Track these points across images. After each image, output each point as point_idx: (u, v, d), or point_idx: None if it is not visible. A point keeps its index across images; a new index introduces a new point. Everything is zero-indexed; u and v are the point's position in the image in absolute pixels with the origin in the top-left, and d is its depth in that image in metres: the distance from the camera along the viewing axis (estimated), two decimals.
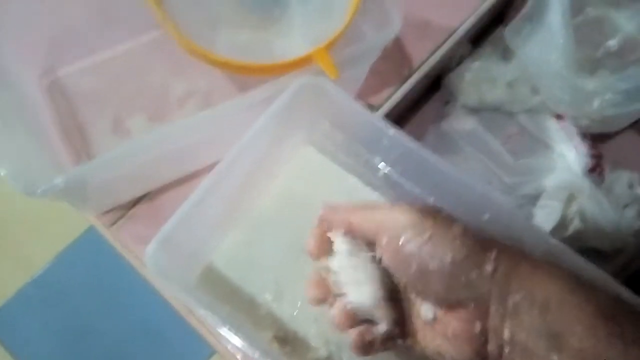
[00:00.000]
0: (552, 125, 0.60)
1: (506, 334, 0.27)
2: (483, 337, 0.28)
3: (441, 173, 0.38)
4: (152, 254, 0.34)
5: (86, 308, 1.23)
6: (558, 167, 0.58)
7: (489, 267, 0.28)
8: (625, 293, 0.32)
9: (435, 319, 0.31)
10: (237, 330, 0.32)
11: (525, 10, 0.57)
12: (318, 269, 0.35)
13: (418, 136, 0.63)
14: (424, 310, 0.31)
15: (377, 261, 0.33)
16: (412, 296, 0.32)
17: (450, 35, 0.58)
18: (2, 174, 0.36)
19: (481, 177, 0.59)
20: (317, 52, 0.42)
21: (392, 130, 0.38)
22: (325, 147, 0.45)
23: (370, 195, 0.44)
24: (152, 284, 0.48)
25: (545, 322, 0.26)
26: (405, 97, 0.56)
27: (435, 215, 0.30)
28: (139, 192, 0.51)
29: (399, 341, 0.33)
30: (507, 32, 0.59)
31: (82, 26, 0.52)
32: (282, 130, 0.41)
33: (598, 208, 0.54)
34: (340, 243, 0.34)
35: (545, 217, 0.55)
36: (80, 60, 0.55)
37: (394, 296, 0.33)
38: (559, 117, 0.61)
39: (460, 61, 0.64)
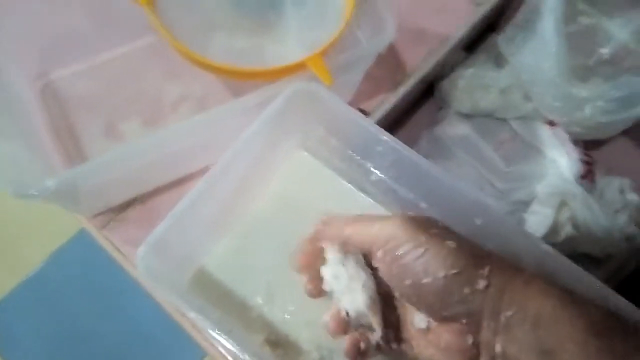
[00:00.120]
0: (545, 131, 0.61)
1: (498, 348, 0.28)
2: (475, 350, 0.29)
3: (434, 179, 0.38)
4: (143, 257, 0.34)
5: (78, 309, 1.23)
6: (550, 173, 0.58)
7: (481, 283, 0.28)
8: (617, 299, 0.33)
9: (428, 328, 0.31)
10: (228, 333, 0.32)
11: (518, 18, 0.57)
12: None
13: (411, 142, 0.63)
14: (417, 320, 0.32)
15: (372, 269, 0.33)
16: (407, 304, 0.33)
17: (444, 42, 0.59)
18: None
19: (474, 182, 0.60)
20: (311, 58, 0.42)
21: (385, 136, 0.38)
22: (319, 152, 0.45)
23: (364, 200, 0.44)
24: (144, 286, 0.48)
25: (537, 338, 0.27)
26: (399, 103, 0.56)
27: (429, 228, 0.30)
28: (131, 195, 0.50)
29: (394, 345, 0.33)
30: (501, 39, 0.59)
31: (77, 30, 0.52)
32: (276, 135, 0.41)
33: (590, 214, 0.54)
34: (333, 251, 0.34)
35: (537, 223, 0.55)
36: (74, 63, 0.55)
37: (389, 302, 0.33)
38: (551, 123, 0.61)
39: (453, 68, 0.65)
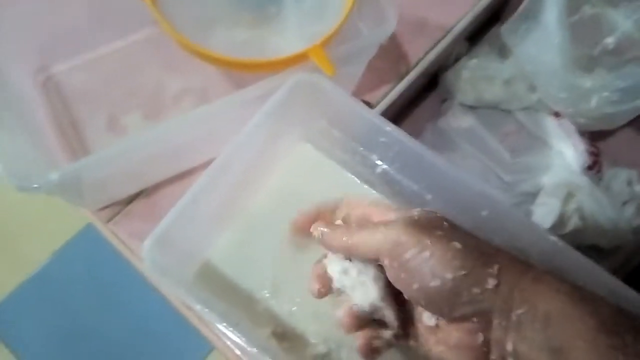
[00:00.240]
0: (550, 122, 0.60)
1: (509, 346, 0.27)
2: (485, 348, 0.29)
3: (438, 170, 0.38)
4: (149, 250, 0.34)
5: (84, 304, 1.23)
6: (556, 165, 0.58)
7: (491, 282, 0.28)
8: (625, 291, 0.33)
9: (437, 326, 0.31)
10: (234, 326, 0.32)
11: (522, 8, 0.57)
12: (319, 263, 0.35)
13: (415, 134, 0.63)
14: (426, 317, 0.31)
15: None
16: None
17: (447, 33, 0.58)
18: None
19: (479, 174, 0.59)
20: (313, 49, 0.41)
21: (389, 127, 0.38)
22: (322, 144, 0.45)
23: (368, 192, 0.43)
24: (150, 280, 0.48)
25: (548, 336, 0.27)
26: (402, 95, 0.56)
27: (434, 230, 0.30)
28: (135, 189, 0.50)
29: (403, 342, 0.33)
30: (504, 30, 0.59)
31: (78, 23, 0.51)
32: (279, 127, 0.40)
33: (597, 205, 0.54)
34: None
35: (543, 214, 0.55)
36: (75, 57, 0.55)
37: (397, 299, 0.33)
38: (556, 114, 0.61)
39: (457, 59, 0.64)
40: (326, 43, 0.42)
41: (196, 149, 0.49)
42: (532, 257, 0.33)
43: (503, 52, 0.63)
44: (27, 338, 1.20)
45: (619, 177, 0.58)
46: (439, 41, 0.58)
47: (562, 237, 0.41)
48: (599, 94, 0.55)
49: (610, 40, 0.60)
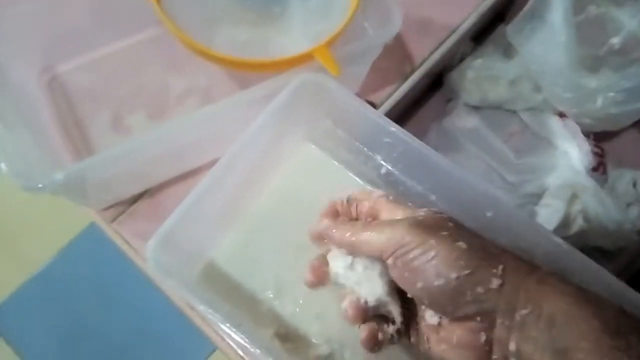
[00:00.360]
0: (555, 123, 0.60)
1: (512, 346, 0.28)
2: (487, 347, 0.29)
3: (443, 171, 0.38)
4: (153, 250, 0.34)
5: (88, 304, 1.24)
6: (561, 166, 0.58)
7: (495, 282, 0.28)
8: (629, 293, 0.32)
9: (440, 324, 0.31)
10: (238, 327, 0.32)
11: (527, 8, 0.57)
12: (319, 257, 0.35)
13: (420, 134, 0.63)
14: (428, 315, 0.31)
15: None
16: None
17: (452, 33, 0.58)
18: (2, 166, 0.36)
19: (483, 175, 0.59)
20: (317, 48, 0.41)
21: (393, 127, 0.38)
22: (326, 144, 0.45)
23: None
24: (154, 280, 0.48)
25: (551, 337, 0.27)
26: (406, 95, 0.56)
27: (439, 230, 0.30)
28: (139, 189, 0.50)
29: (405, 339, 0.33)
30: (509, 29, 0.59)
31: (82, 23, 0.52)
32: (283, 127, 0.40)
33: (601, 207, 0.54)
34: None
35: (548, 215, 0.54)
36: (79, 57, 0.55)
37: (400, 296, 0.33)
38: (561, 115, 0.60)
39: (462, 59, 0.64)
40: (331, 43, 0.42)
41: (200, 149, 0.49)
42: (537, 258, 0.33)
43: (508, 52, 0.63)
44: (31, 337, 1.21)
45: (623, 179, 0.58)
46: (443, 41, 0.58)
47: (567, 238, 0.41)
48: (605, 94, 0.54)
49: (615, 40, 0.60)
